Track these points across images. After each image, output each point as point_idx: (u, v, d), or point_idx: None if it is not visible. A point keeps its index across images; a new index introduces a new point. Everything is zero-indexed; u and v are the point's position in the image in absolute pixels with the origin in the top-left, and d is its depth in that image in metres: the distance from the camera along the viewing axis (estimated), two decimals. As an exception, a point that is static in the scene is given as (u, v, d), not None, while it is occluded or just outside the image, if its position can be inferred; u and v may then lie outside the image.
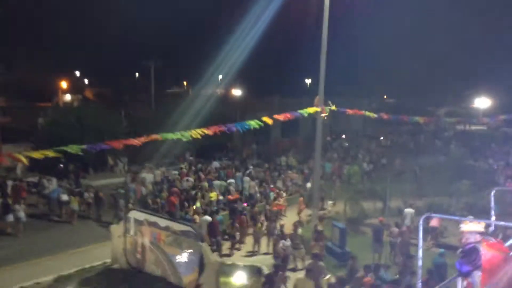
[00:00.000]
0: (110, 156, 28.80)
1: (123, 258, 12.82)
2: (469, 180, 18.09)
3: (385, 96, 54.03)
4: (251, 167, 25.79)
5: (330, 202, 20.01)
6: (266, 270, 13.86)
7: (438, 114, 36.63)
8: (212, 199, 19.59)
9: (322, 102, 14.96)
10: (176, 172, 24.52)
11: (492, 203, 5.77)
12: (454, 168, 19.59)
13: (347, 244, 14.54)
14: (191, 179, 22.54)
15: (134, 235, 12.54)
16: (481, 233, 4.60)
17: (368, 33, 43.25)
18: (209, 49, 36.89)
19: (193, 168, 25.96)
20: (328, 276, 11.89)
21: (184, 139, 10.82)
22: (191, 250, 11.10)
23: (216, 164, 26.54)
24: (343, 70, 43.74)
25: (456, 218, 6.54)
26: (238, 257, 14.89)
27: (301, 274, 11.64)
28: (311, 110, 14.40)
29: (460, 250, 4.84)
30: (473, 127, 41.85)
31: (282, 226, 15.03)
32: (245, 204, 18.60)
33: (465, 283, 4.73)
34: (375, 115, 16.42)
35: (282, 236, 14.08)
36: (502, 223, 5.55)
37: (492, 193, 5.77)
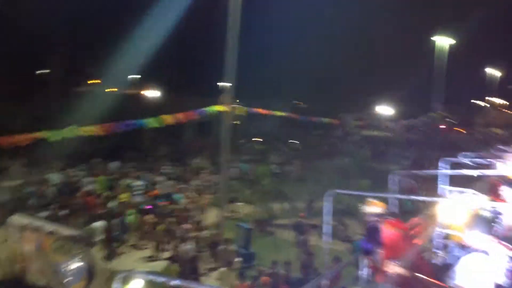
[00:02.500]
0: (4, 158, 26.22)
1: (4, 269, 11.41)
2: (370, 180, 18.89)
3: (301, 103, 55.58)
4: (165, 167, 25.10)
5: (239, 204, 19.78)
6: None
7: (346, 119, 38.22)
8: (123, 200, 18.26)
9: (229, 100, 14.65)
10: (82, 173, 22.99)
11: (390, 185, 6.36)
12: (357, 169, 20.40)
13: (252, 244, 14.35)
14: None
15: (16, 242, 11.23)
16: (381, 214, 4.88)
17: (285, 41, 44.13)
18: (124, 47, 35.22)
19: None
20: (240, 259, 12.43)
21: (70, 137, 9.95)
22: (79, 257, 10.15)
23: (116, 164, 25.24)
24: (257, 75, 44.24)
25: (361, 193, 7.13)
26: (138, 263, 14.06)
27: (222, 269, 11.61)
28: (217, 108, 14.04)
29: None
30: (378, 133, 44.37)
31: (187, 228, 14.48)
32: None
33: (368, 260, 4.98)
34: (284, 114, 16.55)
35: (185, 239, 13.54)
36: (400, 196, 6.67)
37: (390, 177, 6.43)
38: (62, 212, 15.96)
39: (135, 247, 15.26)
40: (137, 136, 33.58)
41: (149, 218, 15.74)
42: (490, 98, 60.04)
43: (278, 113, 17.21)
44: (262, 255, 13.94)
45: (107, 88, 47.02)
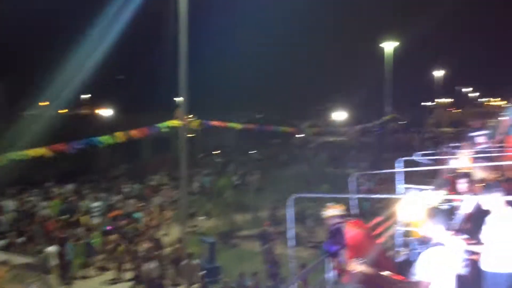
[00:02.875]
0: None
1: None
2: (329, 184, 19.13)
3: (260, 112, 55.96)
4: (123, 185, 25.04)
5: (201, 218, 19.54)
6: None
7: (301, 127, 38.71)
8: (84, 222, 17.92)
9: (184, 114, 14.46)
10: (36, 198, 22.05)
11: (350, 188, 6.57)
12: (315, 175, 20.65)
13: (217, 258, 14.16)
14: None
15: (-35, 275, 10.54)
16: (342, 216, 4.92)
17: (235, 52, 44.34)
18: (72, 65, 34.16)
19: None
20: (203, 273, 12.63)
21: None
22: (36, 285, 9.64)
23: (70, 187, 24.69)
24: (212, 89, 44.18)
25: (320, 195, 7.31)
26: (101, 286, 13.54)
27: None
28: (171, 123, 13.84)
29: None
30: (333, 138, 45.26)
31: (149, 247, 14.09)
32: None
33: (333, 263, 5.01)
34: (240, 126, 16.55)
35: (147, 258, 13.17)
36: (359, 195, 7.38)
37: (349, 179, 6.65)
38: (20, 240, 15.36)
39: (100, 269, 14.68)
40: (92, 156, 32.68)
41: (111, 239, 15.23)
42: (438, 100, 62.66)
43: (234, 125, 17.11)
44: (227, 268, 13.78)
45: (57, 109, 45.61)
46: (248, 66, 45.93)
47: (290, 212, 5.00)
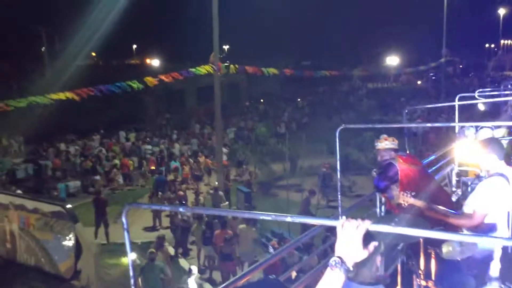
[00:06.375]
0: (3, 136, 26.07)
1: (-5, 248, 11.03)
2: (375, 132, 17.94)
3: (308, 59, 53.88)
4: (175, 133, 26.09)
5: (244, 167, 19.20)
6: (167, 245, 12.90)
7: (351, 74, 36.91)
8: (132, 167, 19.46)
9: (217, 59, 13.75)
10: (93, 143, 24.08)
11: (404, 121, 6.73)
12: (362, 122, 19.45)
13: (253, 208, 13.78)
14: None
15: (1, 221, 10.77)
16: (395, 150, 4.63)
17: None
18: (122, 17, 34.09)
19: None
20: (226, 203, 13.42)
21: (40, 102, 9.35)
22: (64, 234, 9.61)
23: (122, 133, 25.99)
24: (257, 36, 42.74)
25: (370, 126, 8.23)
26: (136, 233, 13.60)
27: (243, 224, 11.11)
28: (204, 68, 13.20)
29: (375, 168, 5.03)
30: (385, 85, 42.95)
31: (181, 196, 13.90)
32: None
33: (383, 198, 4.90)
34: (277, 72, 15.60)
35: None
36: (413, 125, 7.55)
37: (404, 113, 6.88)
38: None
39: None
40: (138, 106, 33.10)
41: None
42: (504, 41, 57.53)
43: (271, 70, 16.19)
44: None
45: (106, 60, 46.46)
46: (296, 12, 43.82)
47: (338, 144, 4.72)
